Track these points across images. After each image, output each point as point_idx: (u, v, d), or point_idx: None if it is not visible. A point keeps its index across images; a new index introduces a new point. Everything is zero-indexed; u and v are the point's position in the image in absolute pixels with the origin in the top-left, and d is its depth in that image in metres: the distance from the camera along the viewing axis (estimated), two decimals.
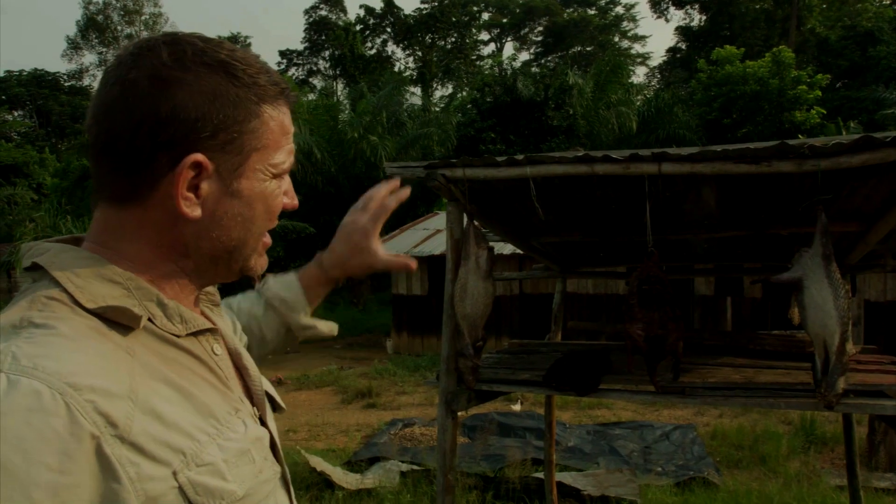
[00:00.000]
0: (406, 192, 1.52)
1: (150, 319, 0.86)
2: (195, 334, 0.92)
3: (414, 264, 1.50)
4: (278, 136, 0.94)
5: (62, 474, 0.69)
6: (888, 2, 32.15)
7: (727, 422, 8.77)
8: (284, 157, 0.96)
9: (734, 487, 6.07)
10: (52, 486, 0.68)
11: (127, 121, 0.83)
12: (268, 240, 1.00)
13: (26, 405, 0.69)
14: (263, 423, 1.01)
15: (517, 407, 9.46)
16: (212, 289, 1.09)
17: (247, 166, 0.91)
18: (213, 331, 0.95)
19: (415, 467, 6.62)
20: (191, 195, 0.87)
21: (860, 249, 3.81)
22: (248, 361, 1.04)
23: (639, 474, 6.53)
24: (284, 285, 1.42)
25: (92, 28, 45.52)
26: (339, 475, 6.39)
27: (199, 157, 0.85)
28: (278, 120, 0.94)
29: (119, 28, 45.57)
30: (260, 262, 1.01)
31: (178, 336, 0.89)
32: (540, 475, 5.82)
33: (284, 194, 1.00)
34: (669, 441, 7.74)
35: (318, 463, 6.50)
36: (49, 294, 0.81)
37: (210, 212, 0.89)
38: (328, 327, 1.48)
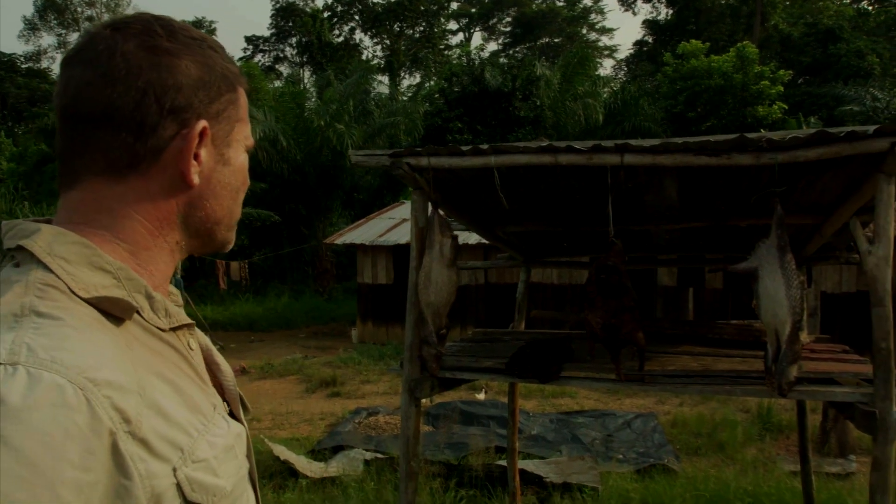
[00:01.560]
0: None
1: (137, 311, 0.84)
2: (175, 329, 0.91)
3: None
4: (246, 112, 0.99)
5: (85, 471, 0.68)
6: (848, 0, 32.83)
7: (687, 410, 8.93)
8: (249, 132, 1.01)
9: (693, 474, 6.20)
10: (77, 484, 0.67)
11: (131, 90, 0.83)
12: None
13: (50, 401, 0.67)
14: (236, 419, 1.00)
15: (481, 396, 9.52)
16: (173, 288, 1.06)
17: (233, 136, 0.95)
18: (189, 326, 0.94)
19: (379, 455, 6.63)
20: (195, 162, 0.89)
21: (816, 241, 3.91)
22: (219, 358, 1.03)
23: (600, 462, 6.62)
24: None
25: (51, 9, 44.31)
26: (302, 464, 6.38)
27: (206, 123, 0.89)
28: (244, 97, 0.99)
29: (79, 10, 44.45)
30: (232, 235, 1.03)
31: (163, 330, 0.88)
32: (503, 463, 5.87)
33: None
34: (631, 429, 7.86)
35: (282, 452, 6.48)
36: (45, 280, 0.78)
37: (206, 180, 0.92)
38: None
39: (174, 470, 0.78)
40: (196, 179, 0.90)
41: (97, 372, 0.71)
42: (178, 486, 0.78)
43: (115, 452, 0.71)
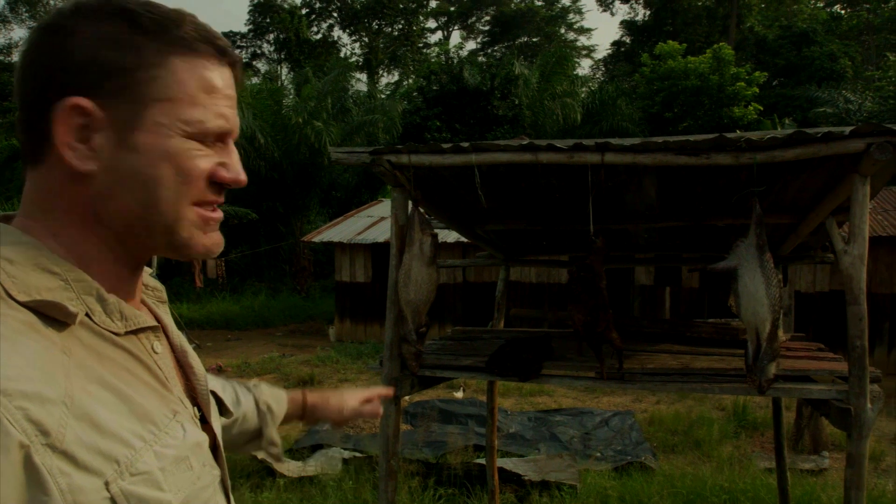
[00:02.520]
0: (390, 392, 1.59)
1: (87, 315, 0.81)
2: (135, 332, 0.87)
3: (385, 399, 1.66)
4: (194, 91, 0.85)
5: None
6: (822, 4, 33.30)
7: (664, 408, 9.01)
8: (205, 116, 0.86)
9: (670, 471, 6.25)
10: None
11: (26, 76, 0.82)
12: (211, 214, 0.91)
13: None
14: (207, 422, 0.97)
15: (459, 394, 9.53)
16: (158, 284, 1.04)
17: (146, 118, 0.83)
18: (154, 328, 0.91)
19: (357, 454, 6.60)
20: (80, 146, 0.81)
21: (792, 241, 3.96)
22: (194, 360, 0.99)
23: (578, 460, 6.65)
24: (275, 397, 1.43)
25: (21, 1, 43.60)
26: (280, 463, 6.33)
27: (79, 100, 0.80)
28: (196, 74, 0.86)
29: (51, 2, 43.76)
30: (202, 239, 0.91)
31: (117, 334, 0.84)
32: (482, 461, 5.87)
33: (223, 166, 0.91)
34: (608, 427, 7.91)
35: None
36: None
37: (108, 168, 0.82)
38: (280, 458, 1.47)
39: (107, 484, 0.74)
40: (87, 166, 0.81)
41: (11, 382, 0.68)
42: (113, 501, 0.74)
43: (29, 467, 0.68)
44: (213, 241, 0.93)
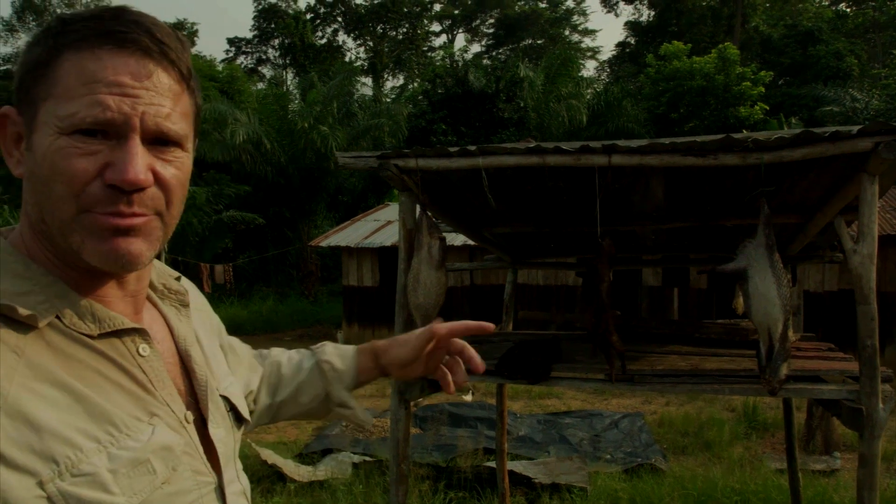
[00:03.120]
0: (491, 327, 1.24)
1: (58, 317, 0.82)
2: (116, 334, 0.86)
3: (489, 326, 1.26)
4: (73, 84, 0.80)
5: None
6: (827, 2, 33.20)
7: (674, 410, 8.98)
8: (78, 108, 0.80)
9: (680, 473, 6.23)
10: None
11: None
12: (113, 220, 0.83)
13: None
14: (206, 426, 0.96)
15: (468, 397, 9.52)
16: (181, 288, 1.05)
17: (38, 119, 0.82)
18: (139, 331, 0.90)
19: (367, 458, 6.61)
20: (15, 152, 0.86)
21: (800, 240, 3.94)
22: (198, 365, 0.99)
23: (588, 462, 6.64)
24: (340, 355, 1.30)
25: (29, 10, 43.85)
26: (290, 468, 6.34)
27: (5, 109, 0.85)
28: (80, 66, 0.81)
29: (58, 11, 44.04)
30: (98, 247, 0.83)
31: (91, 336, 0.84)
32: (491, 464, 5.87)
33: (110, 164, 0.81)
34: (618, 429, 7.89)
35: (270, 456, 6.44)
36: None
37: (26, 170, 0.85)
38: (364, 416, 1.32)
39: (41, 483, 0.73)
40: (17, 170, 0.86)
41: None
42: (49, 500, 0.74)
43: None
44: (115, 249, 0.83)
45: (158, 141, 0.85)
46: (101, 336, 0.85)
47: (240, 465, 1.05)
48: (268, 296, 20.19)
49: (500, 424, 5.07)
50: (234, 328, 17.17)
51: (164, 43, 0.85)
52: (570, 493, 5.64)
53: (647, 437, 7.56)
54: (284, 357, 1.30)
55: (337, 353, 1.30)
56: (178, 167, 0.88)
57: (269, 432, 8.51)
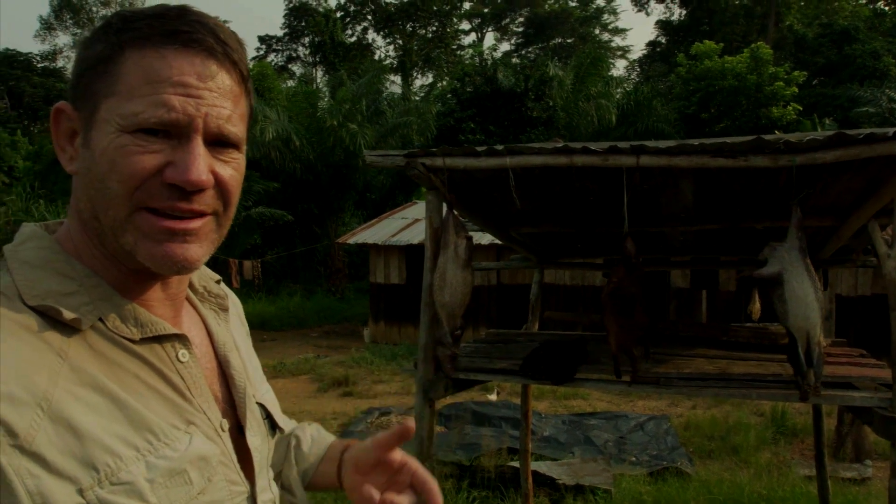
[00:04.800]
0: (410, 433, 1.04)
1: (101, 320, 0.81)
2: (157, 339, 0.86)
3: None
4: (137, 83, 0.80)
5: None
6: (864, 0, 32.56)
7: (700, 413, 8.88)
8: (142, 107, 0.79)
9: (706, 477, 6.16)
10: None
11: None
12: (168, 223, 0.82)
13: None
14: (243, 434, 0.95)
15: (493, 397, 9.51)
16: (222, 291, 1.04)
17: (98, 115, 0.81)
18: (180, 337, 0.88)
19: None
20: (69, 147, 0.85)
21: (833, 244, 3.88)
22: (237, 371, 0.97)
23: (613, 464, 6.59)
24: (315, 438, 1.20)
25: (66, 8, 44.64)
26: None
27: (60, 104, 0.85)
28: (144, 64, 0.80)
29: (94, 9, 44.74)
30: (151, 250, 0.82)
31: (132, 340, 0.83)
32: (515, 464, 5.86)
33: (171, 164, 0.81)
34: (643, 431, 7.82)
35: None
36: None
37: (80, 167, 0.83)
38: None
39: (81, 491, 0.72)
40: (70, 167, 0.85)
41: None
42: None
43: None
44: (170, 253, 0.83)
45: (218, 142, 0.85)
46: (143, 341, 0.84)
47: (272, 474, 1.03)
48: (295, 292, 20.34)
49: (525, 424, 5.06)
50: (261, 324, 17.44)
51: (227, 44, 0.84)
52: (595, 494, 5.61)
53: (673, 441, 7.49)
54: (308, 432, 1.21)
55: (311, 438, 1.19)
56: (235, 168, 0.87)
57: None
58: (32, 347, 0.75)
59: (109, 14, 0.86)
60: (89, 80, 0.81)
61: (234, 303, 1.13)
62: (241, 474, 0.92)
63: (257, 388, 1.05)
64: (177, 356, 0.88)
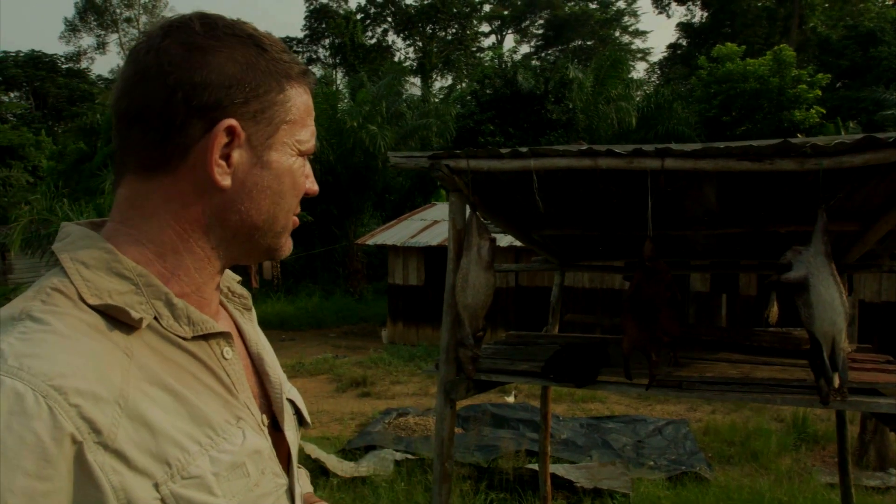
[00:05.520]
0: None
1: (156, 318, 0.83)
2: (204, 337, 0.89)
3: None
4: (304, 114, 0.94)
5: (40, 480, 0.68)
6: (891, 2, 32.14)
7: (719, 418, 8.82)
8: (308, 136, 0.96)
9: (725, 483, 6.12)
10: (29, 493, 0.67)
11: (160, 87, 0.83)
12: (296, 220, 1.00)
13: (7, 408, 0.68)
14: (280, 430, 0.98)
15: (511, 398, 9.50)
16: (244, 291, 1.07)
17: (276, 138, 0.91)
18: (224, 335, 0.92)
19: (409, 456, 6.65)
20: (223, 163, 0.86)
21: (858, 249, 3.84)
22: (271, 368, 1.01)
23: (631, 468, 6.57)
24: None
25: (90, 10, 45.22)
26: (333, 462, 6.42)
27: (232, 122, 0.85)
28: (303, 98, 0.94)
29: (118, 11, 45.30)
30: (289, 243, 1.00)
31: (184, 338, 0.86)
32: (533, 466, 5.85)
33: (308, 179, 0.99)
34: (662, 436, 7.78)
35: (314, 450, 6.53)
36: (54, 285, 0.79)
37: (240, 182, 0.88)
38: None
39: (156, 485, 0.75)
40: (225, 181, 0.87)
41: (66, 380, 0.71)
42: (163, 502, 0.76)
43: (81, 462, 0.70)
44: (290, 245, 1.01)
45: None
46: (193, 339, 0.87)
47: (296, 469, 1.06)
48: (314, 292, 20.43)
49: (544, 427, 5.05)
50: (280, 323, 17.56)
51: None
52: (613, 498, 5.59)
53: (692, 445, 7.44)
54: None
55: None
56: None
57: (313, 427, 8.63)
58: (104, 346, 0.77)
59: (195, 24, 0.87)
60: (268, 105, 0.89)
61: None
62: (281, 467, 0.95)
63: (283, 384, 1.07)
64: (222, 353, 0.91)
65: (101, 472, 0.71)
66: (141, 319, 0.80)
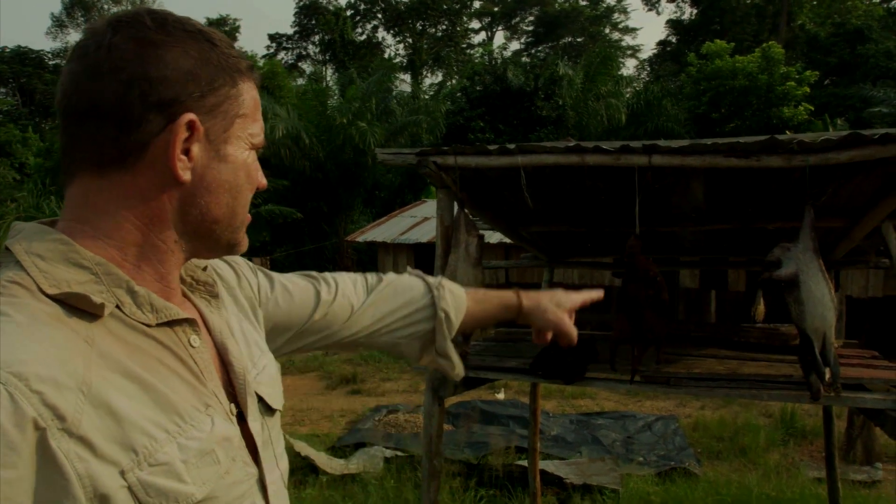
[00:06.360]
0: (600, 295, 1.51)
1: (118, 307, 0.82)
2: (169, 324, 0.88)
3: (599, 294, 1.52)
4: (254, 109, 0.95)
5: (5, 468, 0.67)
6: (877, 0, 32.33)
7: (708, 413, 8.86)
8: (258, 130, 0.96)
9: (714, 478, 6.15)
10: None
11: (114, 83, 0.81)
12: (248, 216, 1.00)
13: None
14: (244, 421, 0.96)
15: (500, 395, 9.51)
16: (209, 279, 1.05)
17: (231, 132, 0.91)
18: (190, 321, 0.91)
19: (399, 453, 6.65)
20: (184, 157, 0.86)
21: (845, 245, 3.86)
22: (235, 358, 0.99)
23: (621, 463, 6.59)
24: (456, 305, 1.34)
25: (77, 6, 44.91)
26: (323, 460, 6.41)
27: (193, 116, 0.85)
28: (252, 93, 0.95)
29: (105, 7, 44.98)
30: (245, 240, 1.00)
31: (148, 325, 0.85)
32: (523, 463, 5.86)
33: (259, 173, 0.99)
34: (651, 431, 7.81)
35: (303, 448, 6.52)
36: (11, 278, 0.78)
37: (199, 177, 0.88)
38: (460, 370, 1.38)
39: (122, 473, 0.74)
40: (186, 175, 0.86)
41: (27, 366, 0.70)
42: (130, 490, 0.75)
43: (44, 448, 0.69)
44: (247, 240, 1.02)
45: None
46: (157, 326, 0.86)
47: (279, 448, 1.05)
48: None
49: (534, 423, 5.06)
50: None
51: None
52: (602, 494, 5.60)
53: (681, 441, 7.48)
54: (389, 289, 1.37)
55: (453, 304, 1.33)
56: None
57: (303, 425, 8.61)
58: (64, 335, 0.76)
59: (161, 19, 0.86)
60: (223, 99, 0.89)
61: (226, 272, 1.14)
62: (250, 457, 0.95)
63: (256, 362, 1.05)
64: (189, 341, 0.90)
65: (66, 459, 0.70)
66: (102, 305, 0.80)
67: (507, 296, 1.41)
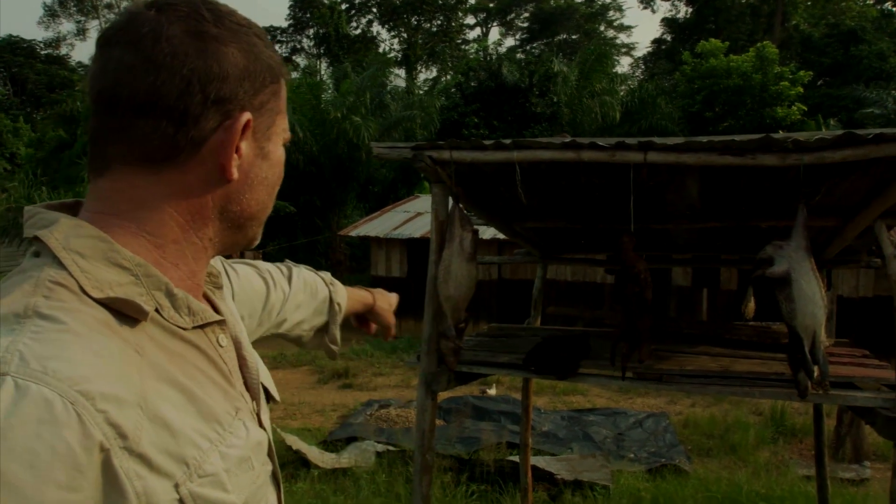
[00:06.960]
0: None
1: (157, 310, 0.79)
2: (201, 326, 0.86)
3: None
4: (283, 105, 0.94)
5: (71, 491, 0.64)
6: (871, 1, 32.44)
7: (699, 411, 8.90)
8: (287, 127, 0.95)
9: (704, 475, 6.18)
10: None
11: (175, 77, 0.78)
12: None
13: (37, 416, 0.64)
14: (259, 418, 0.95)
15: (492, 391, 9.53)
16: (213, 269, 1.01)
17: (273, 129, 0.91)
18: (220, 322, 0.89)
19: (390, 448, 6.65)
20: (234, 154, 0.84)
21: (837, 244, 3.87)
22: (248, 351, 0.98)
23: (611, 460, 6.62)
24: (342, 296, 1.53)
25: None
26: (315, 454, 6.41)
27: (250, 115, 0.84)
28: (283, 90, 0.93)
29: None
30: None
31: (184, 329, 0.83)
32: (514, 458, 5.88)
33: None
34: (642, 428, 7.84)
35: (295, 441, 6.52)
36: (55, 278, 0.73)
37: (244, 174, 0.87)
38: (336, 355, 1.57)
39: (176, 486, 0.73)
40: (235, 174, 0.84)
41: (92, 384, 0.67)
42: (181, 502, 0.74)
43: (108, 469, 0.67)
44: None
45: None
46: (193, 328, 0.85)
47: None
48: None
49: (525, 419, 5.06)
50: None
51: None
52: (593, 490, 5.63)
53: (672, 438, 7.51)
54: (293, 274, 1.47)
55: (342, 296, 1.53)
56: None
57: (295, 419, 8.61)
58: (118, 345, 0.73)
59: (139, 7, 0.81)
60: (269, 98, 0.89)
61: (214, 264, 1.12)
62: (267, 455, 0.95)
63: (252, 352, 1.04)
64: (217, 341, 0.88)
65: (126, 479, 0.69)
66: (147, 312, 0.77)
67: (367, 295, 1.62)
